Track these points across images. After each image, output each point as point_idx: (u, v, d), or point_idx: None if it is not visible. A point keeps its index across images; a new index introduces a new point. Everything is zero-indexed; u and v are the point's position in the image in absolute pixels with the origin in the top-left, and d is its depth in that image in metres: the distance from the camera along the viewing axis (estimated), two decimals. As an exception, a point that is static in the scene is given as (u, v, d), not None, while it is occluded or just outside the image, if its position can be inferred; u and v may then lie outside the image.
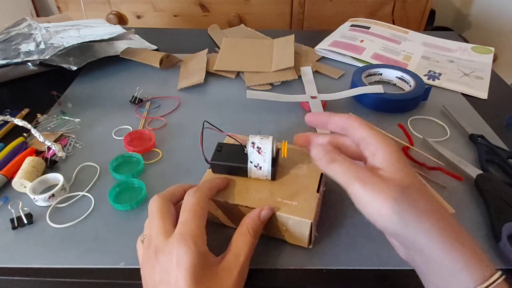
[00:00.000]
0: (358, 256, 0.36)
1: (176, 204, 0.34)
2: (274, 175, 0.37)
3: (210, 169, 0.39)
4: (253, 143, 0.36)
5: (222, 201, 0.36)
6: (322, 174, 0.37)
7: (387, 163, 0.29)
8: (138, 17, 1.35)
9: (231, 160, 0.38)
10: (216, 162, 0.38)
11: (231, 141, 0.40)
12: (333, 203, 0.41)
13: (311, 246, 0.36)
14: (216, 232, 0.37)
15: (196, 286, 0.27)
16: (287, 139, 0.41)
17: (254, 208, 0.35)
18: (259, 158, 0.36)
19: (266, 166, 0.36)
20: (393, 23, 1.08)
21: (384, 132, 0.51)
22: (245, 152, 0.37)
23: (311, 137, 0.36)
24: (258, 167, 0.37)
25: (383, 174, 0.29)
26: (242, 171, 0.38)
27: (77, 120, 0.56)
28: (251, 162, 0.37)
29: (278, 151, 0.38)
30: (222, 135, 0.40)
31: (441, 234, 0.26)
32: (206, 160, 0.39)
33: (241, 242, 0.32)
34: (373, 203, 0.28)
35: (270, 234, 0.37)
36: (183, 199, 0.33)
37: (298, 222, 0.34)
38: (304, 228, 0.34)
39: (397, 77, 0.65)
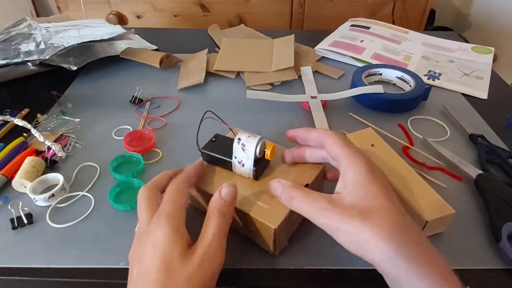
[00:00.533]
0: (358, 256, 0.36)
1: (163, 192, 0.35)
2: (256, 175, 0.37)
3: (198, 162, 0.40)
4: (239, 139, 0.37)
5: (205, 191, 0.37)
6: (307, 184, 0.36)
7: (353, 186, 0.30)
8: (138, 17, 1.35)
9: (220, 152, 0.38)
10: (206, 151, 0.39)
11: (232, 135, 0.40)
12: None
13: (276, 253, 0.36)
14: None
15: (165, 269, 0.28)
16: (287, 139, 0.41)
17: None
18: (243, 155, 0.36)
19: (249, 165, 0.36)
20: (393, 23, 1.08)
21: (386, 133, 0.51)
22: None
23: (301, 149, 0.38)
24: (241, 163, 0.37)
25: (347, 199, 0.29)
26: (228, 165, 0.38)
27: (77, 120, 0.56)
28: (235, 158, 0.37)
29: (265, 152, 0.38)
30: (230, 129, 0.41)
31: (407, 260, 0.26)
32: (198, 147, 0.40)
33: (207, 225, 0.31)
34: (337, 236, 0.29)
35: (242, 231, 0.37)
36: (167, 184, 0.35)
37: (263, 225, 0.33)
38: (269, 233, 0.33)
39: (397, 77, 0.65)
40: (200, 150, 0.39)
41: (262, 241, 0.36)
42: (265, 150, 0.37)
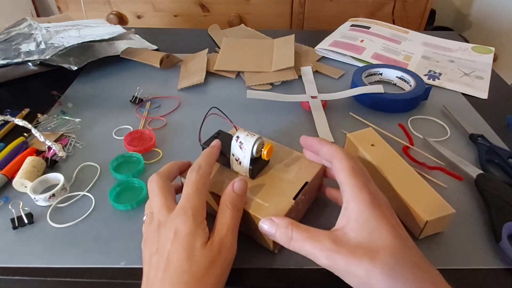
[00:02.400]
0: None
1: (172, 180, 0.36)
2: (252, 174, 0.37)
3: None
4: (237, 137, 0.37)
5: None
6: (306, 182, 0.37)
7: (357, 222, 0.28)
8: (138, 17, 1.35)
9: (221, 148, 0.39)
10: (206, 146, 0.40)
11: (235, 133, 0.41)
12: (333, 210, 0.41)
13: (276, 251, 0.36)
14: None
15: (187, 256, 0.29)
16: (287, 139, 0.41)
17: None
18: (240, 153, 0.37)
19: (245, 163, 0.37)
20: (393, 23, 1.08)
21: (386, 133, 0.51)
22: None
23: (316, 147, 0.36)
24: (238, 161, 0.37)
25: (352, 237, 0.28)
26: (227, 162, 0.39)
27: (78, 120, 0.56)
28: (233, 155, 0.37)
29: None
30: (234, 126, 0.41)
31: None
32: (200, 142, 0.40)
33: (222, 218, 0.32)
34: (346, 278, 0.27)
35: (241, 229, 0.37)
36: (178, 175, 0.37)
37: None
38: None
39: (397, 77, 0.65)
40: (201, 145, 0.40)
41: (262, 239, 0.36)
42: (262, 150, 0.37)
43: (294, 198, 0.35)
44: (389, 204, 0.31)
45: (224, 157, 0.38)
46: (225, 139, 0.40)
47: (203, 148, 0.40)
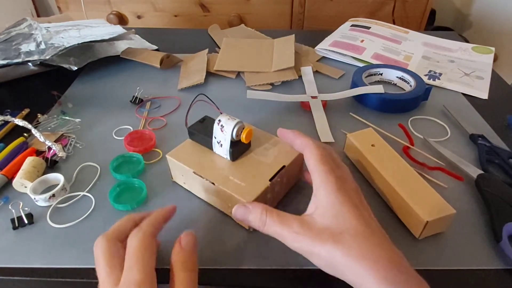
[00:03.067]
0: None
1: (124, 240, 0.31)
2: (233, 157, 0.39)
3: (186, 141, 0.43)
4: (219, 120, 0.39)
5: (188, 168, 0.40)
6: (283, 166, 0.39)
7: (324, 207, 0.30)
8: (139, 17, 1.35)
9: (204, 132, 0.41)
10: (191, 130, 0.42)
11: None
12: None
13: (251, 230, 0.38)
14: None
15: None
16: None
17: (206, 179, 0.38)
18: (221, 136, 0.39)
19: (226, 145, 0.39)
20: (394, 23, 1.08)
21: (386, 133, 0.51)
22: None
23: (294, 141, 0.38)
24: (220, 144, 0.39)
25: (318, 221, 0.29)
26: (210, 145, 0.41)
27: (78, 120, 0.56)
28: (215, 138, 0.39)
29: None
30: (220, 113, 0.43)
31: (379, 279, 0.26)
32: (186, 125, 0.43)
33: (175, 283, 0.29)
34: (311, 259, 0.29)
35: (221, 208, 0.40)
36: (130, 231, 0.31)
37: (238, 201, 0.35)
38: None
39: (397, 77, 0.65)
40: (187, 128, 0.43)
41: None
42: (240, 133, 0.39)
43: (270, 180, 0.37)
44: (358, 188, 0.33)
45: (207, 140, 0.40)
46: (210, 123, 0.41)
47: (189, 132, 0.42)
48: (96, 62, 0.69)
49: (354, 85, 0.61)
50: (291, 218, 0.31)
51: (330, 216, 0.29)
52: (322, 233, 0.28)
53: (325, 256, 0.28)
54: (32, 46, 0.65)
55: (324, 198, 0.30)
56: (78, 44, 0.65)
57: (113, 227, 0.32)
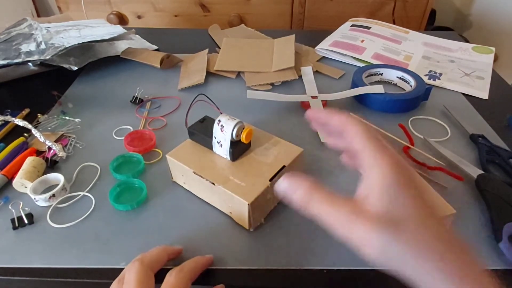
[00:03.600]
0: (359, 257, 0.36)
1: (156, 271, 0.32)
2: (233, 157, 0.39)
3: (186, 141, 0.43)
4: (219, 120, 0.39)
5: (188, 168, 0.40)
6: (284, 166, 0.39)
7: (377, 190, 0.25)
8: (139, 17, 1.35)
9: (204, 132, 0.41)
10: (191, 130, 0.42)
11: None
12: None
13: (252, 230, 0.38)
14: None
15: None
16: (288, 139, 0.41)
17: (206, 179, 0.38)
18: (221, 136, 0.39)
19: (225, 145, 0.39)
20: (394, 23, 1.08)
21: (386, 133, 0.51)
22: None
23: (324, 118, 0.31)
24: (220, 144, 0.39)
25: (373, 207, 0.25)
26: (210, 145, 0.41)
27: (78, 120, 0.56)
28: (215, 138, 0.40)
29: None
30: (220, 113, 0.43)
31: (444, 277, 0.23)
32: (186, 125, 0.43)
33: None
34: (363, 247, 0.25)
35: (221, 208, 0.40)
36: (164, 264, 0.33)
37: (238, 201, 0.35)
38: (243, 209, 0.36)
39: (397, 77, 0.65)
40: (187, 128, 0.42)
41: (238, 218, 0.38)
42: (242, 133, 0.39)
43: (270, 180, 0.37)
44: (413, 169, 0.29)
45: (207, 140, 0.41)
46: (210, 123, 0.41)
47: (189, 132, 0.43)
48: (96, 62, 0.69)
49: (354, 85, 0.61)
50: (342, 200, 0.26)
51: (388, 202, 0.25)
52: (379, 220, 0.24)
53: (379, 246, 0.24)
54: (32, 46, 0.65)
55: (380, 181, 0.25)
56: (78, 44, 0.65)
57: (150, 254, 0.32)
